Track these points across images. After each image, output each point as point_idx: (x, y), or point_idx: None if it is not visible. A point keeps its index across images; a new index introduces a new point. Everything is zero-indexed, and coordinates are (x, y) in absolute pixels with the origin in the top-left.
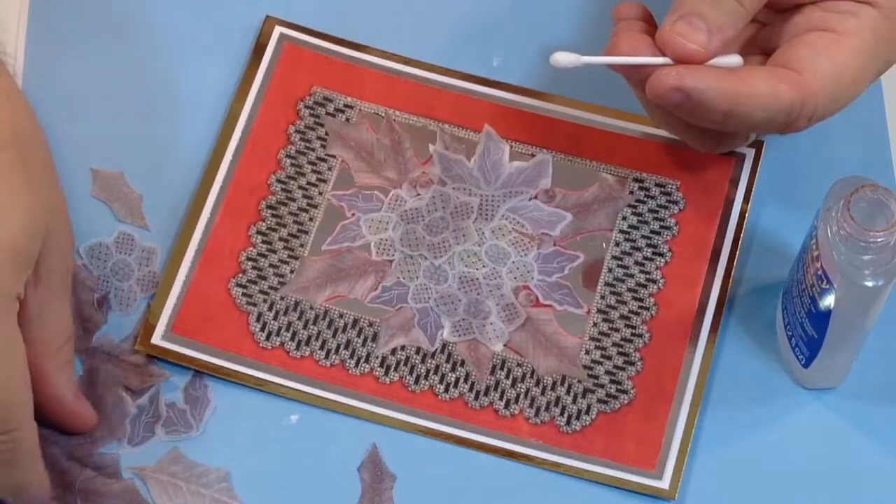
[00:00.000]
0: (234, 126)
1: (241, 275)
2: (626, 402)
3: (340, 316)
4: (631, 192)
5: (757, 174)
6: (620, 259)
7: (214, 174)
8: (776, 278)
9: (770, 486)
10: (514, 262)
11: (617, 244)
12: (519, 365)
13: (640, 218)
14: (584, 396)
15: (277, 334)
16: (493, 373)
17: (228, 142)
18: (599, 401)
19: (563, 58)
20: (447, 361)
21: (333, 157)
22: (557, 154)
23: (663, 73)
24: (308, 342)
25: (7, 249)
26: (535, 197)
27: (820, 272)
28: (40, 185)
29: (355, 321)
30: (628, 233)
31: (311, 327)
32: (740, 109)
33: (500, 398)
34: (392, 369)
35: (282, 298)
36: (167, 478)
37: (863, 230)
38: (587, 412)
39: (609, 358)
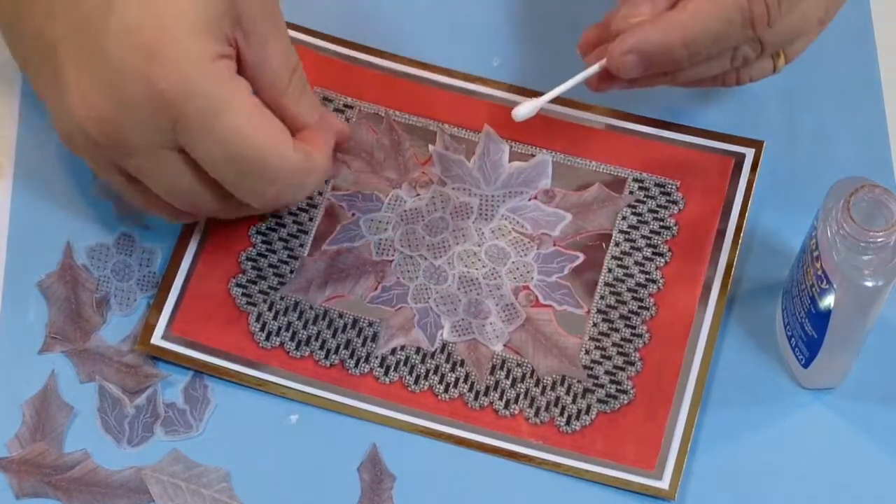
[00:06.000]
0: None
1: (240, 275)
2: (625, 402)
3: (340, 316)
4: (630, 193)
5: (757, 174)
6: (620, 259)
7: None
8: (776, 278)
9: (770, 487)
10: (513, 263)
11: (617, 244)
12: (519, 365)
13: (639, 218)
14: (583, 396)
15: (277, 334)
16: (492, 373)
17: None
18: (599, 401)
19: (524, 109)
20: (447, 361)
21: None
22: (557, 154)
23: (610, 50)
24: (308, 342)
25: (186, 21)
26: (535, 197)
27: (820, 272)
28: None
29: (355, 321)
30: (628, 233)
31: (311, 327)
32: (693, 32)
33: (500, 398)
34: (392, 369)
35: (281, 298)
36: (167, 478)
37: (863, 230)
38: (587, 412)
39: (609, 358)
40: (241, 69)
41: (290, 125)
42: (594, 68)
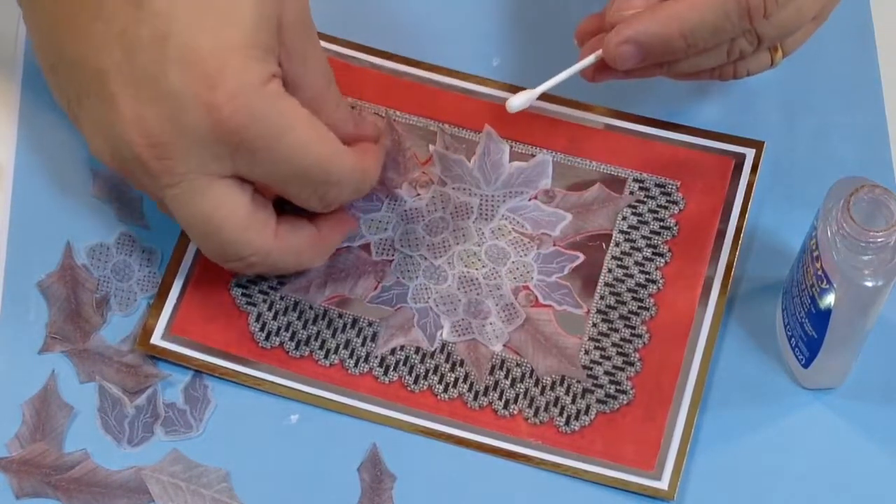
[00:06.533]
0: None
1: (240, 275)
2: (625, 402)
3: (340, 316)
4: (631, 193)
5: (757, 174)
6: (620, 259)
7: None
8: (776, 278)
9: (770, 487)
10: (513, 263)
11: (617, 244)
12: (518, 365)
13: (639, 218)
14: (583, 397)
15: (277, 334)
16: (492, 373)
17: None
18: (598, 401)
19: (518, 100)
20: (446, 361)
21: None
22: (557, 154)
23: (606, 40)
24: (307, 342)
25: (242, 48)
26: (535, 197)
27: (820, 272)
28: None
29: (355, 321)
30: (628, 233)
31: (311, 327)
32: (690, 23)
33: (500, 398)
34: (391, 369)
35: (281, 298)
36: (167, 478)
37: (863, 230)
38: (586, 412)
39: (608, 358)
40: (283, 85)
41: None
42: (590, 59)
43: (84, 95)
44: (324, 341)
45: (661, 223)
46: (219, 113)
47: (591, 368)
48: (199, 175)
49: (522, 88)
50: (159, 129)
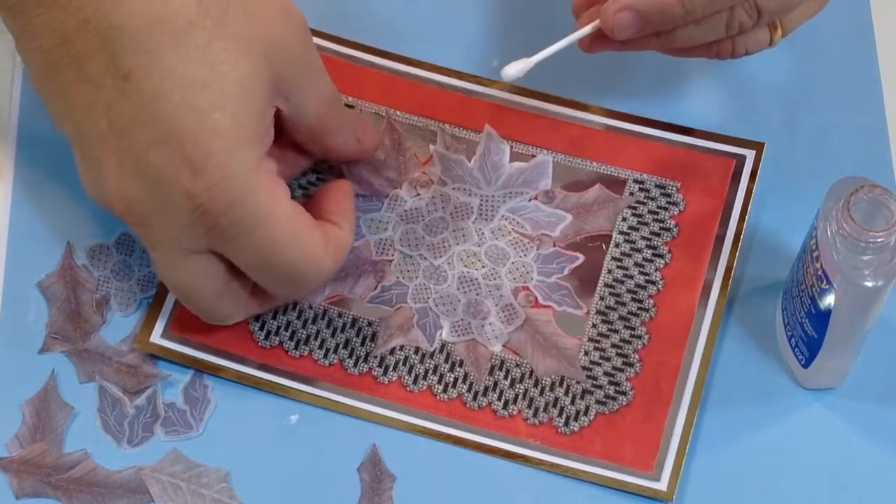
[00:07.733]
0: None
1: None
2: (624, 403)
3: (339, 315)
4: (631, 194)
5: (757, 175)
6: (620, 260)
7: None
8: (776, 278)
9: (770, 487)
10: (513, 263)
11: (616, 245)
12: (517, 365)
13: (639, 219)
14: (582, 397)
15: (276, 333)
16: (491, 373)
17: None
18: (598, 402)
19: (513, 69)
20: (446, 361)
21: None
22: (558, 155)
23: (604, 9)
24: (307, 341)
25: (230, 131)
26: (535, 198)
27: (820, 272)
28: (241, 47)
29: (354, 321)
30: (628, 234)
31: (310, 326)
32: None
33: (499, 398)
34: (391, 369)
35: None
36: (167, 478)
37: (863, 230)
38: (585, 413)
39: (608, 359)
40: (281, 121)
41: (329, 157)
42: (587, 29)
43: (70, 139)
44: (323, 341)
45: (661, 224)
46: (198, 199)
47: (590, 369)
48: (175, 247)
49: (522, 88)
50: (138, 202)
